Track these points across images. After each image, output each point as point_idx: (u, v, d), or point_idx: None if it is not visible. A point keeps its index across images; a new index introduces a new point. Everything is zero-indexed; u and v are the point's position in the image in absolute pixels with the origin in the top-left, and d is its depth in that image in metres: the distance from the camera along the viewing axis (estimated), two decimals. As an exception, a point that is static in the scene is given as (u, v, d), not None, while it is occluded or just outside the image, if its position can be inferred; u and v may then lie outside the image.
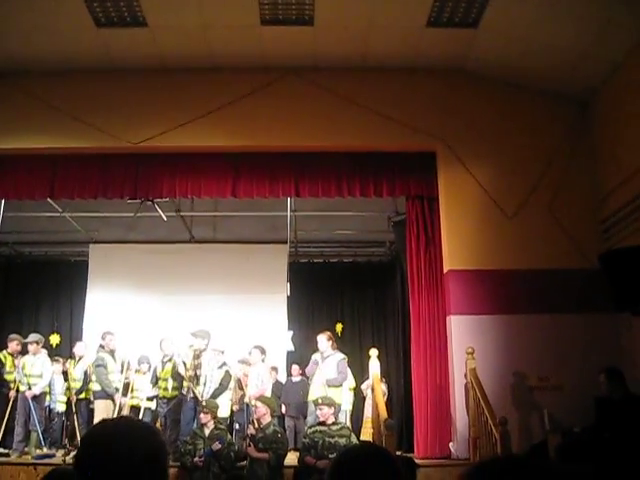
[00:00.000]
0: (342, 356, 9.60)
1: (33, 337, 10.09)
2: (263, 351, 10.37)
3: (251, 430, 8.16)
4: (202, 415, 8.43)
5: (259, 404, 8.23)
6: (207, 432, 8.26)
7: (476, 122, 9.03)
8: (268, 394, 10.02)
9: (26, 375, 9.63)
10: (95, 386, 10.11)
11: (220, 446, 7.99)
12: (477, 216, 8.84)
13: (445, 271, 8.86)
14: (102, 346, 10.36)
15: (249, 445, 7.90)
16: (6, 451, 9.33)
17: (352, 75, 9.11)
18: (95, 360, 10.20)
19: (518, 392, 8.16)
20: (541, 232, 8.63)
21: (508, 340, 8.33)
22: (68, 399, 10.45)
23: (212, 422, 8.34)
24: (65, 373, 10.55)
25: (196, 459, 7.95)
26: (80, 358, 10.70)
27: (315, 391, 9.29)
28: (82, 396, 10.49)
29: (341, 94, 8.99)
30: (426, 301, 9.02)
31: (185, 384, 9.68)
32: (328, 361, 9.50)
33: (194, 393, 9.50)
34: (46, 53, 8.76)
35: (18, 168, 9.28)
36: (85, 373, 10.52)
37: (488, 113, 9.07)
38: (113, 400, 10.00)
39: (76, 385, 10.47)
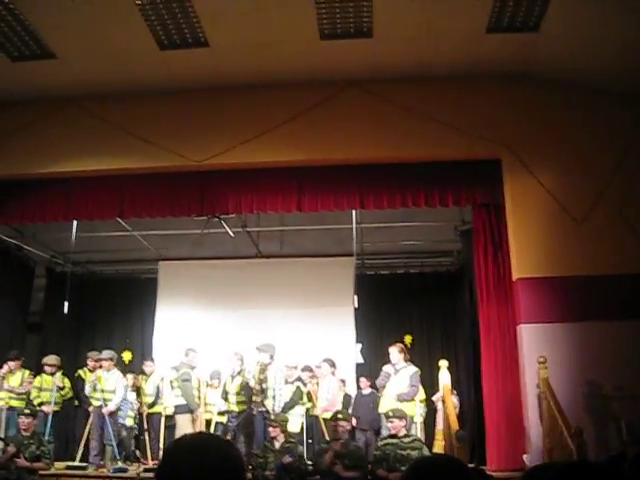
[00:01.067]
0: (415, 369, 9.53)
1: (107, 354, 10.36)
2: (333, 364, 10.38)
3: (337, 447, 8.09)
4: (271, 429, 8.47)
5: (343, 422, 8.20)
6: (277, 445, 8.29)
7: (541, 126, 8.86)
8: (339, 407, 10.03)
9: (102, 391, 9.88)
10: (177, 400, 10.31)
11: (290, 459, 8.01)
12: (545, 222, 8.67)
13: (514, 279, 8.70)
14: (184, 362, 10.58)
15: (335, 463, 7.85)
16: (84, 464, 9.57)
17: (413, 85, 9.07)
18: (181, 375, 10.43)
19: (593, 402, 7.89)
20: (612, 236, 8.40)
21: (581, 348, 8.11)
22: (138, 414, 10.68)
23: (282, 435, 8.36)
24: (138, 388, 10.79)
25: (267, 472, 7.98)
26: (150, 374, 10.95)
27: (387, 404, 9.24)
28: (153, 410, 10.72)
29: (402, 104, 8.95)
30: (495, 310, 8.88)
31: (254, 398, 9.77)
32: (401, 374, 9.46)
33: (264, 406, 9.57)
34: (112, 77, 9.01)
35: (88, 190, 9.58)
36: (157, 388, 10.76)
37: (552, 116, 8.89)
38: (192, 414, 10.21)
39: (148, 400, 10.70)
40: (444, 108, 8.94)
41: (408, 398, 9.24)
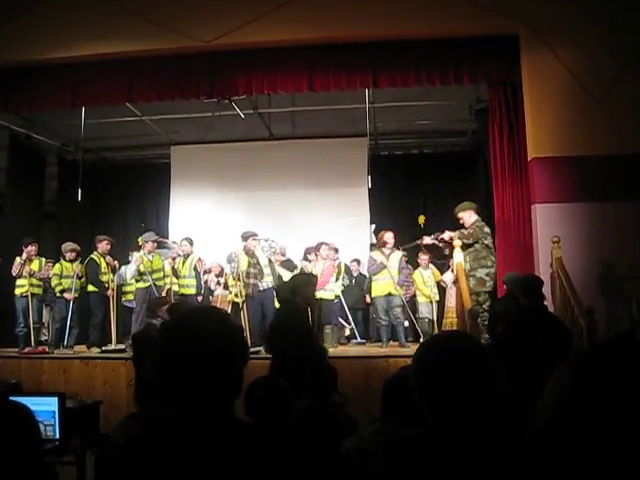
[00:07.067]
0: (402, 253, 10.16)
1: (149, 236, 10.41)
2: (331, 248, 10.62)
3: None
4: None
5: None
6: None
7: (562, 0, 8.48)
8: (330, 287, 10.42)
9: (151, 272, 10.15)
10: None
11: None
12: (563, 101, 8.43)
13: (529, 159, 8.58)
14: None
15: None
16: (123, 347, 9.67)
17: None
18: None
19: (606, 281, 7.92)
20: (631, 116, 8.16)
21: (596, 228, 8.06)
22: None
23: None
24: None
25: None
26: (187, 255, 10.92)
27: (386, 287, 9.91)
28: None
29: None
30: (510, 190, 8.84)
31: None
32: (392, 258, 9.99)
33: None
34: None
35: (95, 75, 9.32)
36: (195, 270, 10.82)
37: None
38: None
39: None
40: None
41: (402, 283, 10.08)
